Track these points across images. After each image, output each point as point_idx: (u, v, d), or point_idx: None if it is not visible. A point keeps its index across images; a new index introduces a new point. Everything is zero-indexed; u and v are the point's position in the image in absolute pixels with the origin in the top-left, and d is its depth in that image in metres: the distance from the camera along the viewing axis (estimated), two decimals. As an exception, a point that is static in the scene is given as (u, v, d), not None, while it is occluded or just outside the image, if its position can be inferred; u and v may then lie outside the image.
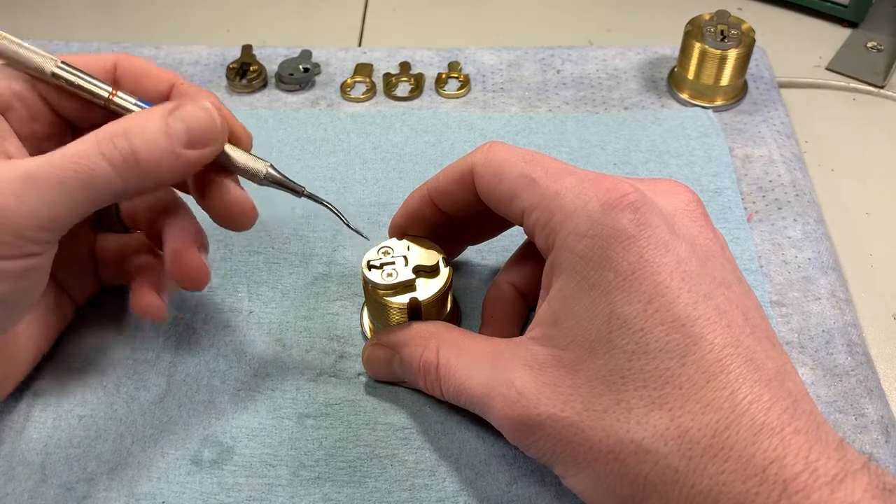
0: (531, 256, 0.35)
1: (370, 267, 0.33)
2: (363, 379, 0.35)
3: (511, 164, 0.29)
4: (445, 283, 0.33)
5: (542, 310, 0.28)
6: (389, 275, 0.32)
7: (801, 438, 0.23)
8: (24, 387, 0.35)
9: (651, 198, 0.27)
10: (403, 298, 0.32)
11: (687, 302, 0.25)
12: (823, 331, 0.36)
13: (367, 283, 0.33)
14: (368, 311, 0.35)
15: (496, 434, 0.33)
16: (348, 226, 0.34)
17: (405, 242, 0.34)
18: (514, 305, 0.35)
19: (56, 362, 0.36)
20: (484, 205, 0.31)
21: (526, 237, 0.36)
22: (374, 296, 0.33)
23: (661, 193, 0.28)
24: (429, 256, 0.33)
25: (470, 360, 0.30)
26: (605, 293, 0.25)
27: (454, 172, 0.31)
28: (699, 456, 0.23)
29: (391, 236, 0.34)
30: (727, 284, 0.26)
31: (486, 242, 0.37)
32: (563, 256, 0.27)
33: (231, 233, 0.40)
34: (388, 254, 0.33)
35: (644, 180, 0.29)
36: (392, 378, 0.34)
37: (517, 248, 0.36)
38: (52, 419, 0.34)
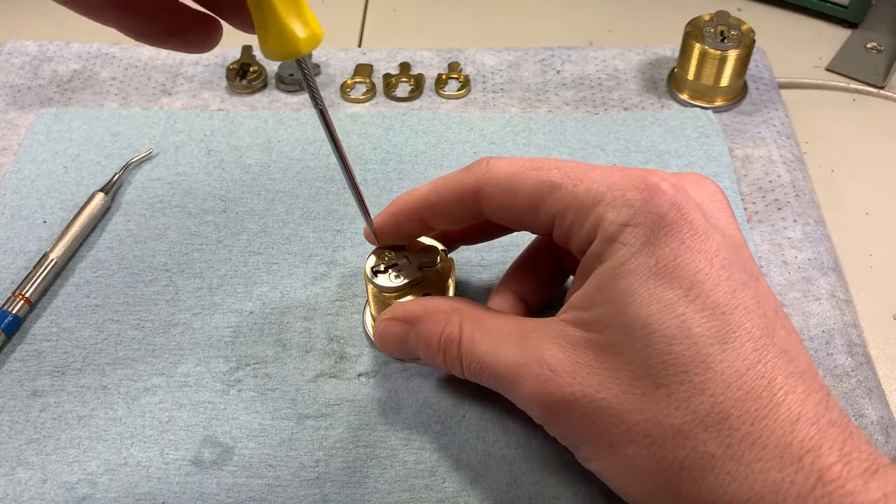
0: (534, 263, 0.35)
1: (375, 273, 0.33)
2: (363, 379, 0.35)
3: (522, 174, 0.29)
4: (451, 273, 0.33)
5: (577, 295, 0.28)
6: (397, 276, 0.32)
7: (836, 430, 0.23)
8: (25, 387, 0.35)
9: (685, 187, 0.27)
10: (416, 296, 0.32)
11: (726, 290, 0.25)
12: (823, 331, 0.36)
13: (375, 289, 0.33)
14: (376, 313, 0.35)
15: (496, 434, 0.33)
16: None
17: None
18: (516, 313, 0.35)
19: (56, 362, 0.36)
20: (480, 220, 0.31)
21: (528, 243, 0.36)
22: (384, 300, 0.33)
23: (689, 185, 0.28)
24: (429, 251, 0.33)
25: (495, 337, 0.29)
26: (646, 278, 0.25)
27: (453, 195, 0.30)
28: (738, 443, 0.23)
29: (370, 242, 0.33)
30: (756, 276, 0.27)
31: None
32: (605, 246, 0.27)
33: (231, 234, 0.40)
34: (389, 256, 0.33)
35: (670, 173, 0.29)
36: (404, 355, 0.33)
37: (519, 255, 0.36)
38: (52, 419, 0.34)
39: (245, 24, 0.27)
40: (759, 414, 0.23)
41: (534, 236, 0.35)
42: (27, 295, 0.37)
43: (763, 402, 0.24)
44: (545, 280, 0.35)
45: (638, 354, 0.25)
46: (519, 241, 0.37)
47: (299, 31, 0.24)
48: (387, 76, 0.49)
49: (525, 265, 0.35)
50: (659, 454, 0.24)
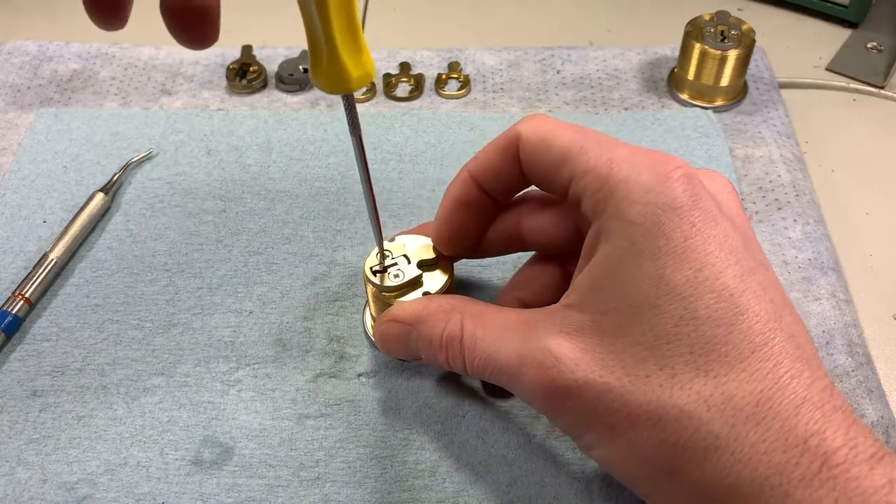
0: (539, 270, 0.35)
1: (374, 273, 0.33)
2: (363, 379, 0.35)
3: (561, 131, 0.29)
4: (450, 272, 0.33)
5: (582, 276, 0.28)
6: (396, 276, 0.32)
7: (840, 416, 0.23)
8: (24, 387, 0.35)
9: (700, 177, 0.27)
10: (416, 295, 0.32)
11: (735, 274, 0.25)
12: (823, 331, 0.36)
13: (375, 289, 0.33)
14: (376, 313, 0.35)
15: (496, 434, 0.33)
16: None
17: (400, 242, 0.34)
18: None
19: (56, 362, 0.36)
20: (522, 184, 0.31)
21: (533, 252, 0.35)
22: (384, 300, 0.33)
23: (703, 177, 0.29)
24: (426, 250, 0.33)
25: (498, 331, 0.29)
26: (655, 258, 0.25)
27: (497, 144, 0.31)
28: (742, 423, 0.23)
29: (436, 235, 0.34)
30: (765, 265, 0.27)
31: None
32: (613, 222, 0.27)
33: (231, 234, 0.40)
34: (388, 256, 0.33)
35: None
36: (406, 355, 0.33)
37: (524, 263, 0.36)
38: (51, 419, 0.34)
39: (181, 35, 0.27)
40: (764, 395, 0.23)
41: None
42: (27, 295, 0.37)
43: (768, 383, 0.24)
44: (549, 285, 0.35)
45: (644, 336, 0.25)
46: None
47: (354, 68, 0.25)
48: (387, 76, 0.49)
49: (529, 271, 0.35)
50: (661, 437, 0.24)
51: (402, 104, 0.48)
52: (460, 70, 0.50)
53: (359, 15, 0.24)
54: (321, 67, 0.25)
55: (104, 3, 0.26)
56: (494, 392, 0.34)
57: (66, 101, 0.49)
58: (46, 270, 0.38)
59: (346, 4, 0.24)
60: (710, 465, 0.24)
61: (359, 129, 0.28)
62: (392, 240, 0.34)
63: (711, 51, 0.46)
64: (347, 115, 0.27)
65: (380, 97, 0.49)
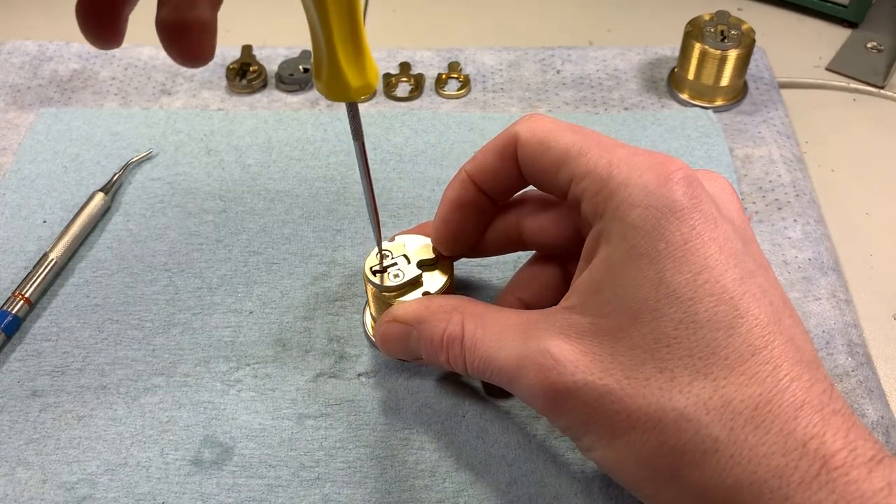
0: (539, 270, 0.35)
1: (374, 273, 0.33)
2: (363, 379, 0.35)
3: (559, 132, 0.29)
4: (450, 272, 0.33)
5: (582, 279, 0.28)
6: (396, 276, 0.32)
7: (840, 419, 0.23)
8: (24, 387, 0.35)
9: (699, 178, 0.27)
10: (416, 295, 0.32)
11: (735, 277, 0.25)
12: (823, 331, 0.36)
13: (375, 289, 0.33)
14: (376, 313, 0.35)
15: (496, 434, 0.33)
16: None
17: (400, 241, 0.34)
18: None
19: (56, 362, 0.36)
20: (521, 185, 0.31)
21: (533, 252, 0.35)
22: (384, 300, 0.33)
23: (702, 178, 0.29)
24: (426, 250, 0.33)
25: (498, 332, 0.29)
26: (655, 262, 0.25)
27: (495, 145, 0.31)
28: (741, 427, 0.23)
29: (435, 236, 0.33)
30: (765, 267, 0.27)
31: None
32: (614, 225, 0.27)
33: (231, 234, 0.40)
34: (388, 256, 0.33)
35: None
36: (407, 356, 0.33)
37: (524, 262, 0.36)
38: (51, 419, 0.34)
39: (175, 51, 0.27)
40: (763, 399, 0.23)
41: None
42: (27, 295, 0.37)
43: (767, 386, 0.24)
44: (549, 285, 0.35)
45: (644, 339, 0.25)
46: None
47: (355, 78, 0.25)
48: (387, 76, 0.49)
49: (529, 271, 0.35)
50: (660, 439, 0.25)
51: (402, 104, 0.48)
52: (460, 70, 0.50)
53: (364, 23, 0.24)
54: (322, 74, 0.25)
55: (100, 23, 0.26)
56: (494, 392, 0.34)
57: (66, 101, 0.49)
58: (46, 270, 0.38)
59: (351, 14, 0.24)
60: (708, 468, 0.24)
61: (362, 136, 0.28)
62: (392, 240, 0.34)
63: (711, 51, 0.46)
64: (351, 123, 0.27)
65: (380, 97, 0.49)
